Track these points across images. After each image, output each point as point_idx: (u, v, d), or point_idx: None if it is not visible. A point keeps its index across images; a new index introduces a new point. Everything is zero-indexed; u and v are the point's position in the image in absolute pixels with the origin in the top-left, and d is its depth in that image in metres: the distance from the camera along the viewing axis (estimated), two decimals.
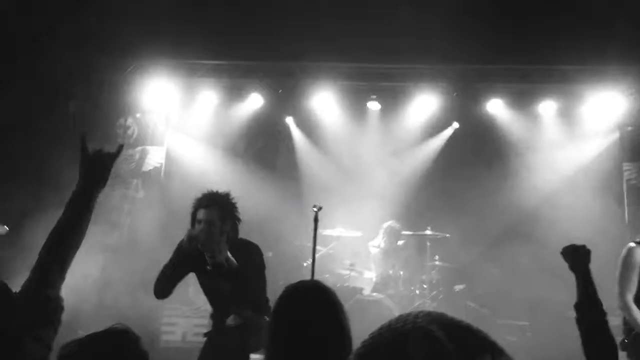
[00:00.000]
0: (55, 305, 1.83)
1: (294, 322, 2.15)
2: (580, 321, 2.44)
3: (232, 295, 4.01)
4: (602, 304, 2.46)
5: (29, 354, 1.69)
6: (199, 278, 4.26)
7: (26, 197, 6.89)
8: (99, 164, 2.07)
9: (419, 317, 0.90)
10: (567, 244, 2.67)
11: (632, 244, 4.37)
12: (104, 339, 1.67)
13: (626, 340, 4.19)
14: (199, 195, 4.12)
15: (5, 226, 5.87)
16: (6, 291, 1.74)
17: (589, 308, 2.45)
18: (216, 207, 4.01)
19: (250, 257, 4.06)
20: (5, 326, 1.61)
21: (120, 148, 2.15)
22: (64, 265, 1.91)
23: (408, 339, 0.86)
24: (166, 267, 4.06)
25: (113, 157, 2.11)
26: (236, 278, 3.94)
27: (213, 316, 4.30)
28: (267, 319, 3.94)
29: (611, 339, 2.38)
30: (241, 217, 4.14)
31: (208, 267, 4.03)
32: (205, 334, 4.27)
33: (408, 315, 0.92)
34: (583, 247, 2.64)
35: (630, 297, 4.22)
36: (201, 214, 3.99)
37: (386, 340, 0.89)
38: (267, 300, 4.13)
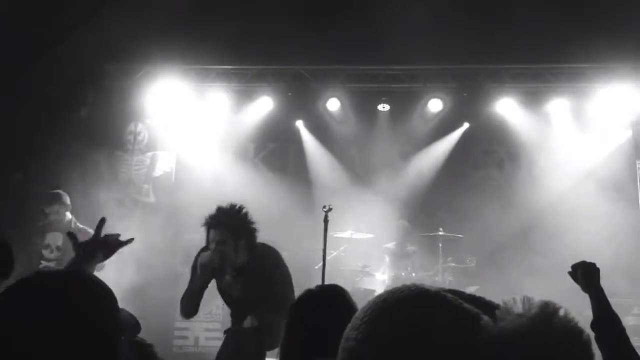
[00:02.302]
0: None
1: (314, 327, 2.09)
2: (600, 340, 2.34)
3: (249, 299, 4.03)
4: (619, 319, 2.39)
5: None
6: (217, 283, 4.27)
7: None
8: (105, 248, 2.22)
9: (408, 285, 0.86)
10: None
11: None
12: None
13: None
14: (209, 212, 4.03)
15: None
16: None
17: (606, 325, 2.37)
18: (226, 227, 3.96)
19: (268, 266, 4.06)
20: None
21: (130, 241, 2.36)
22: None
23: (416, 303, 0.82)
24: (187, 289, 4.10)
25: (119, 244, 2.28)
26: (253, 285, 3.98)
27: (232, 315, 4.32)
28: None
29: (634, 352, 2.30)
30: (256, 226, 4.09)
31: (227, 277, 4.10)
32: (225, 331, 4.33)
33: (390, 290, 0.87)
34: (592, 265, 2.60)
35: None
36: (212, 235, 3.96)
37: (388, 311, 0.83)
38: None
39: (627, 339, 2.35)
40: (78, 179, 7.89)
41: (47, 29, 6.98)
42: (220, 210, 4.01)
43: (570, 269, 2.69)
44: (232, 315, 4.31)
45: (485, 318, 0.78)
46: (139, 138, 8.81)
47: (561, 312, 0.79)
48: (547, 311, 0.78)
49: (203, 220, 4.03)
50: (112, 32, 7.35)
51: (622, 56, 7.61)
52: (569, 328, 0.79)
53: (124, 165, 8.68)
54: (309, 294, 2.26)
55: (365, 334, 0.83)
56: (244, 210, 4.07)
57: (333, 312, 2.08)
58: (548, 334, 0.76)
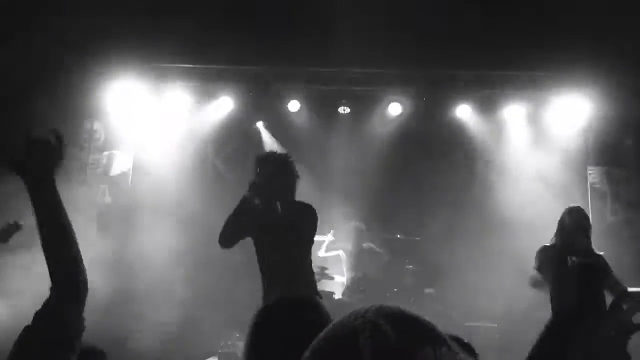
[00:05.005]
0: (76, 327, 1.66)
1: (282, 338, 2.01)
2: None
3: (284, 246, 4.28)
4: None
5: None
6: (258, 237, 4.45)
7: None
8: (38, 153, 1.76)
9: (370, 311, 0.97)
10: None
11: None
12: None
13: None
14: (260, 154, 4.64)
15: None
16: None
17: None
18: (271, 163, 4.44)
19: (304, 214, 4.41)
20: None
21: (62, 141, 1.85)
22: (80, 275, 1.71)
23: (357, 333, 0.92)
24: (229, 215, 4.36)
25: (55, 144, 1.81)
26: (290, 227, 4.27)
27: (265, 298, 4.35)
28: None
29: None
30: (299, 175, 4.56)
31: (267, 219, 4.32)
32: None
33: (360, 310, 0.98)
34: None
35: None
36: (259, 169, 4.43)
37: (338, 335, 0.97)
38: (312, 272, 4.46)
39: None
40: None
41: None
42: (270, 151, 4.75)
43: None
44: (265, 297, 4.34)
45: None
46: (96, 136, 8.62)
47: None
48: None
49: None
50: (71, 27, 7.18)
51: (575, 65, 7.84)
52: None
53: (79, 164, 8.48)
54: (279, 302, 2.15)
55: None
56: (290, 158, 4.56)
57: (302, 325, 2.01)
58: None
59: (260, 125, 9.16)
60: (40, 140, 1.76)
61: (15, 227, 5.45)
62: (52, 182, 1.77)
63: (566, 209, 4.98)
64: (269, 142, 9.14)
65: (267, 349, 1.93)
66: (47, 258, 1.69)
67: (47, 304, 1.67)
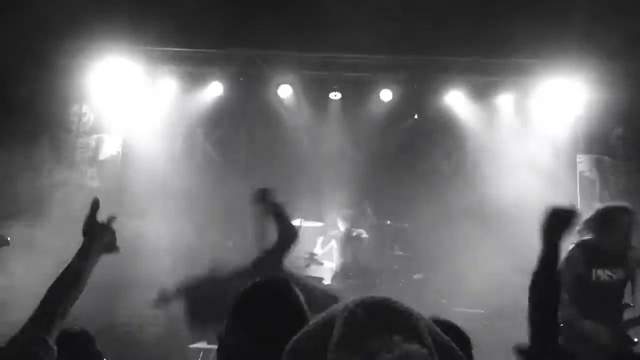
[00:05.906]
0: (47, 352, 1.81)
1: (256, 320, 2.01)
2: (533, 286, 2.34)
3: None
4: (559, 284, 2.37)
5: None
6: None
7: None
8: (105, 235, 2.27)
9: (355, 300, 1.05)
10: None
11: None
12: (60, 342, 1.69)
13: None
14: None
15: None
16: None
17: (543, 281, 2.33)
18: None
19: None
20: None
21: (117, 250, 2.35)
22: (63, 317, 1.96)
23: (336, 319, 1.02)
24: None
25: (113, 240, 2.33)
26: None
27: None
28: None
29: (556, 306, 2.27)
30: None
31: None
32: None
33: (348, 301, 1.07)
34: (567, 210, 2.43)
35: None
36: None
37: (320, 321, 1.08)
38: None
39: (556, 305, 2.33)
40: (19, 161, 7.60)
41: None
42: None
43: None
44: None
45: None
46: (84, 120, 8.54)
47: None
48: None
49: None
50: (58, 9, 7.08)
51: (566, 54, 7.84)
52: None
53: (68, 148, 8.40)
54: (255, 285, 2.15)
55: None
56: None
57: (276, 307, 2.00)
58: None
59: (250, 109, 9.05)
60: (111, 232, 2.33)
61: (4, 242, 5.49)
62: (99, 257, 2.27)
63: (617, 206, 4.18)
64: (260, 127, 9.08)
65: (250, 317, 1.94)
66: (55, 294, 1.97)
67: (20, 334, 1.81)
